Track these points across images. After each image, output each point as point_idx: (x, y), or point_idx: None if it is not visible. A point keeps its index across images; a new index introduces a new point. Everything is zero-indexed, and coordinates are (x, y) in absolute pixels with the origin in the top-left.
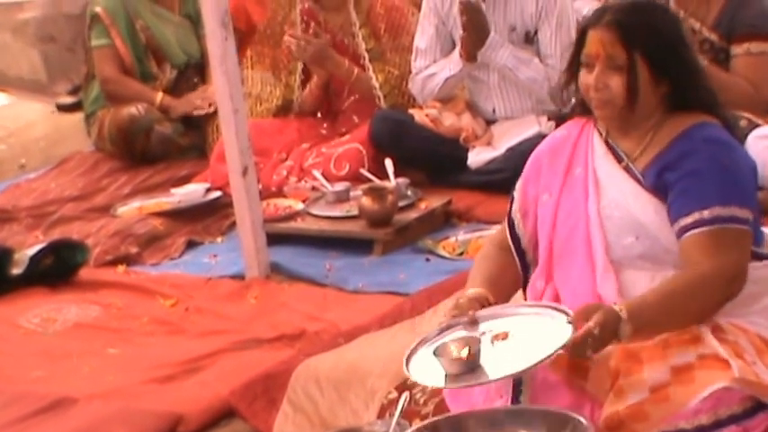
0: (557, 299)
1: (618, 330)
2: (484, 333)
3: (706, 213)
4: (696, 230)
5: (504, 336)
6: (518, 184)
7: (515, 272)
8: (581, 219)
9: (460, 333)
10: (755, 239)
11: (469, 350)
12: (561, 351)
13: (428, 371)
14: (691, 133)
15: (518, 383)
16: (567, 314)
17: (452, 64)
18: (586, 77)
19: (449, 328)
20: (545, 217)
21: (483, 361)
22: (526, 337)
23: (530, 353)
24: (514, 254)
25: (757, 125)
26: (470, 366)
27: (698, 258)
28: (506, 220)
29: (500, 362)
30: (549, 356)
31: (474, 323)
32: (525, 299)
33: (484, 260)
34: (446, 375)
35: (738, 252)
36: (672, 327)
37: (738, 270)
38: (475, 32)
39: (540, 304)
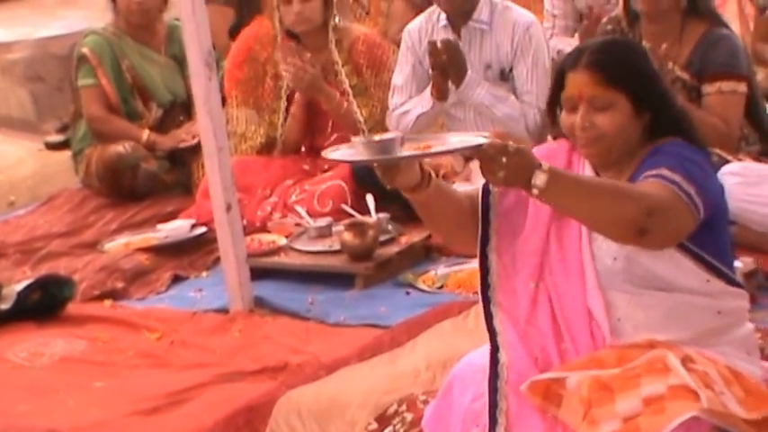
0: (549, 303)
1: (532, 176)
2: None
3: (654, 171)
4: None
5: (427, 147)
6: None
7: (462, 216)
8: (575, 234)
9: None
10: (728, 264)
11: (385, 137)
12: (473, 150)
13: (345, 154)
14: (663, 144)
15: (494, 413)
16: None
17: (424, 102)
18: (569, 118)
19: None
20: (539, 215)
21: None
22: (446, 148)
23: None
24: (480, 220)
25: (727, 161)
26: (384, 151)
27: (642, 185)
28: (482, 187)
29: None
30: (460, 149)
31: (401, 143)
32: (482, 277)
33: None
34: (369, 155)
35: (669, 202)
36: (583, 210)
37: (661, 209)
38: (453, 71)
39: (465, 134)
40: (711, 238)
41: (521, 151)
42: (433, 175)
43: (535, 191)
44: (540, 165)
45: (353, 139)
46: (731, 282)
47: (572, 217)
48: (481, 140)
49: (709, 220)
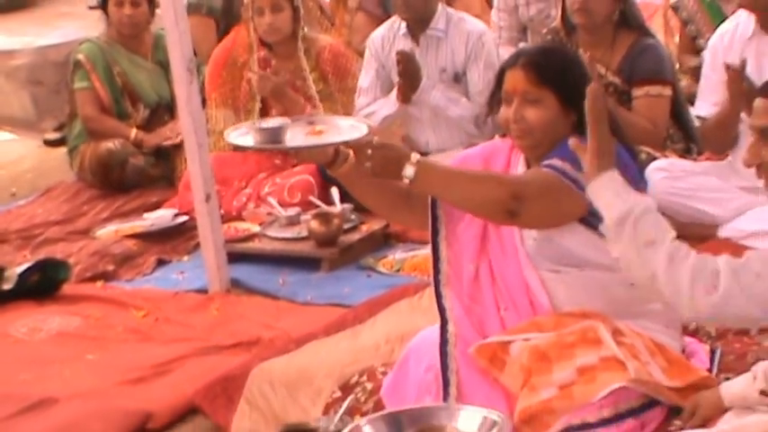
0: (490, 282)
1: (403, 167)
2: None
3: (547, 162)
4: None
5: (319, 132)
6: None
7: (396, 199)
8: None
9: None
10: None
11: (275, 124)
12: (343, 144)
13: (245, 140)
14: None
15: (446, 375)
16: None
17: (390, 104)
18: (506, 112)
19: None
20: None
21: (289, 140)
22: (334, 136)
23: (325, 140)
24: (430, 216)
25: (655, 158)
26: (273, 137)
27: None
28: None
29: (302, 142)
30: (331, 143)
31: (311, 123)
32: (434, 263)
33: None
34: (256, 141)
35: (545, 187)
36: (453, 196)
37: (530, 193)
38: (409, 79)
39: (352, 119)
40: None
41: (386, 145)
42: (351, 155)
43: (406, 180)
44: (410, 157)
45: (245, 123)
46: None
47: (446, 202)
48: (364, 128)
49: None
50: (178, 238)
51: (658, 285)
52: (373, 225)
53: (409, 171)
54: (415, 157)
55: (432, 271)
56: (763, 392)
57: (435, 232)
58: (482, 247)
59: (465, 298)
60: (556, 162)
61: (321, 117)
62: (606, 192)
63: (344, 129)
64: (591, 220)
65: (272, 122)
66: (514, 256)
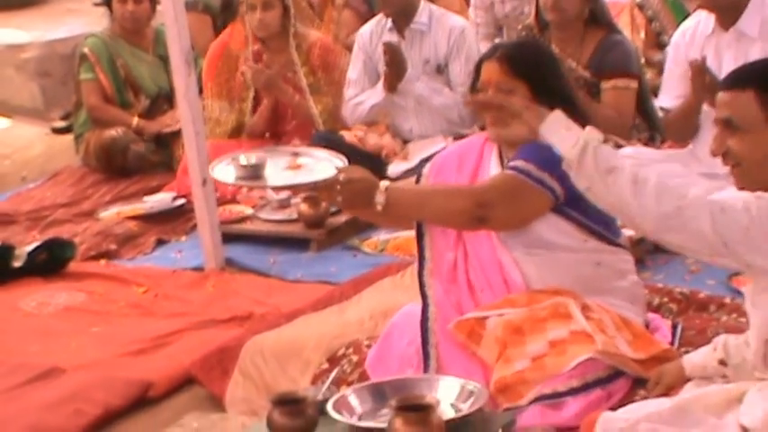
0: (466, 268)
1: (374, 196)
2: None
3: (513, 163)
4: (507, 169)
5: (297, 167)
6: (430, 167)
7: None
8: None
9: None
10: (609, 228)
11: (255, 161)
12: (312, 185)
13: (226, 173)
14: None
15: (426, 349)
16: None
17: (376, 93)
18: None
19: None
20: None
21: (268, 174)
22: (309, 173)
23: (297, 181)
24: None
25: (621, 146)
26: (254, 173)
27: (486, 180)
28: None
29: (277, 179)
30: (298, 185)
31: (295, 155)
32: (419, 257)
33: None
34: (236, 177)
35: (509, 191)
36: (422, 214)
37: (495, 199)
38: (395, 69)
39: (337, 158)
40: (592, 207)
41: (353, 180)
42: None
43: (378, 207)
44: (379, 186)
45: (228, 155)
46: (610, 242)
47: (418, 221)
48: (339, 163)
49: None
50: (176, 219)
51: (626, 207)
52: None
53: (380, 198)
54: (383, 184)
55: (417, 265)
56: (721, 362)
57: (420, 236)
58: (458, 236)
59: (444, 282)
60: (519, 163)
61: (304, 149)
62: (557, 128)
63: (322, 160)
64: (561, 207)
65: (253, 157)
66: (488, 240)
